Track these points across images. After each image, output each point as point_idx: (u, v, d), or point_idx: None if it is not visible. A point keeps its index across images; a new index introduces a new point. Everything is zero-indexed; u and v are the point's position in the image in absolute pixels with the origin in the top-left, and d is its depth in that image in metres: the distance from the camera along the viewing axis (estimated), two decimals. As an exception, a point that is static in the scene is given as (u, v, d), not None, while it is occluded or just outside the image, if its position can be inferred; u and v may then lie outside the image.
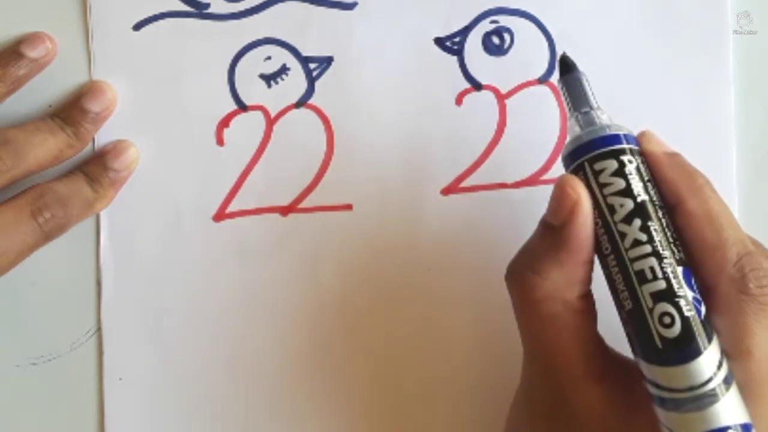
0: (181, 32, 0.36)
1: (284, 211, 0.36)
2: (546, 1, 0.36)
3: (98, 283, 0.36)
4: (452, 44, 0.36)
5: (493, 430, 0.35)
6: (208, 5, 0.36)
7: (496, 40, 0.36)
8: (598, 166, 0.28)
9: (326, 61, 0.36)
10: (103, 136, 0.36)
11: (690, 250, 0.28)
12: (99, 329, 0.36)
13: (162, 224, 0.36)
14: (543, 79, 0.36)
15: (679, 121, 0.36)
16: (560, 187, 0.28)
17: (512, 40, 0.36)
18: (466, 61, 0.36)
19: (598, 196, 0.28)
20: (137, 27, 0.36)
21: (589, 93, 0.30)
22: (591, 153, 0.28)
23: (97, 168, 0.35)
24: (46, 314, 0.36)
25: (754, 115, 0.36)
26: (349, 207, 0.36)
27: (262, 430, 0.36)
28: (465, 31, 0.36)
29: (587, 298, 0.29)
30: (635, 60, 0.36)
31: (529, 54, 0.36)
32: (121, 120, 0.36)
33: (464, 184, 0.36)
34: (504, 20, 0.36)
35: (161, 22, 0.36)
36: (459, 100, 0.36)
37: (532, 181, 0.36)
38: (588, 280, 0.29)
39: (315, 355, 0.36)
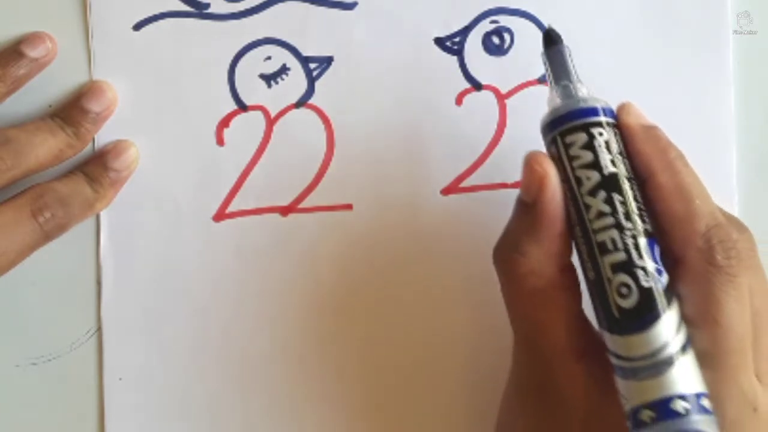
0: (181, 32, 0.36)
1: (284, 211, 0.36)
2: (546, 1, 0.36)
3: (98, 283, 0.36)
4: (452, 44, 0.36)
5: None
6: (208, 5, 0.36)
7: (496, 40, 0.36)
8: (569, 139, 0.29)
9: (326, 61, 0.36)
10: (103, 136, 0.36)
11: (660, 223, 0.28)
12: (99, 329, 0.36)
13: (162, 224, 0.36)
14: (543, 79, 0.36)
15: (679, 121, 0.36)
16: (528, 164, 0.29)
17: (512, 40, 0.36)
18: (466, 61, 0.36)
19: (568, 168, 0.29)
20: (137, 27, 0.36)
21: (570, 66, 0.31)
22: (563, 126, 0.29)
23: (97, 168, 0.35)
24: (46, 314, 0.36)
25: (754, 115, 0.36)
26: (349, 207, 0.36)
27: (262, 429, 0.36)
28: (465, 31, 0.36)
29: (568, 272, 0.30)
30: (635, 60, 0.36)
31: (529, 54, 0.36)
32: (121, 120, 0.36)
33: (464, 184, 0.36)
34: (504, 20, 0.36)
35: (161, 22, 0.36)
36: (459, 100, 0.36)
37: (532, 181, 0.36)
38: (566, 252, 0.29)
39: (315, 354, 0.36)
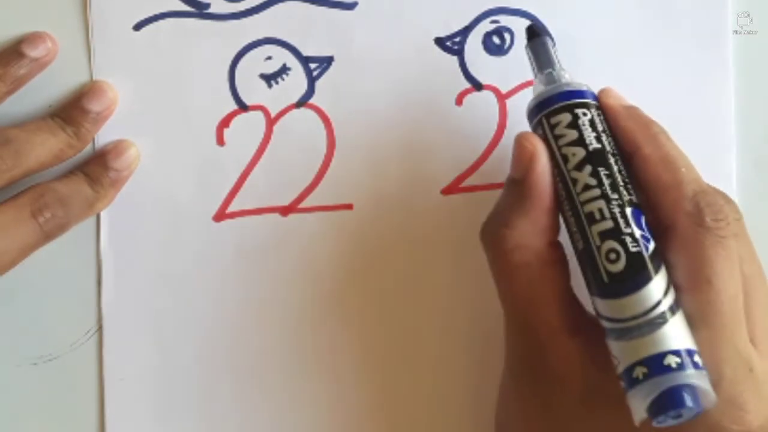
0: (181, 32, 0.36)
1: (284, 211, 0.36)
2: (546, 1, 0.36)
3: (98, 283, 0.36)
4: (452, 44, 0.36)
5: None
6: (208, 5, 0.36)
7: (496, 40, 0.36)
8: (554, 120, 0.30)
9: (326, 61, 0.36)
10: (103, 136, 0.36)
11: (648, 193, 0.29)
12: (99, 329, 0.36)
13: (162, 224, 0.36)
14: (543, 79, 0.36)
15: (679, 120, 0.36)
16: (518, 141, 0.30)
17: (512, 40, 0.36)
18: (467, 61, 0.36)
19: (554, 147, 0.30)
20: (138, 27, 0.36)
21: (553, 55, 0.32)
22: (548, 108, 0.30)
23: (97, 168, 0.35)
24: (46, 314, 0.36)
25: (754, 115, 0.36)
26: (349, 207, 0.36)
27: (262, 429, 0.36)
28: (465, 31, 0.36)
29: (556, 248, 0.30)
30: (635, 60, 0.36)
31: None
32: (121, 120, 0.36)
33: (464, 184, 0.36)
34: (504, 20, 0.36)
35: (162, 22, 0.36)
36: (459, 100, 0.36)
37: (533, 181, 0.36)
38: (554, 227, 0.30)
39: (314, 353, 0.36)
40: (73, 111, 0.35)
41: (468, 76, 0.36)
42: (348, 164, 0.36)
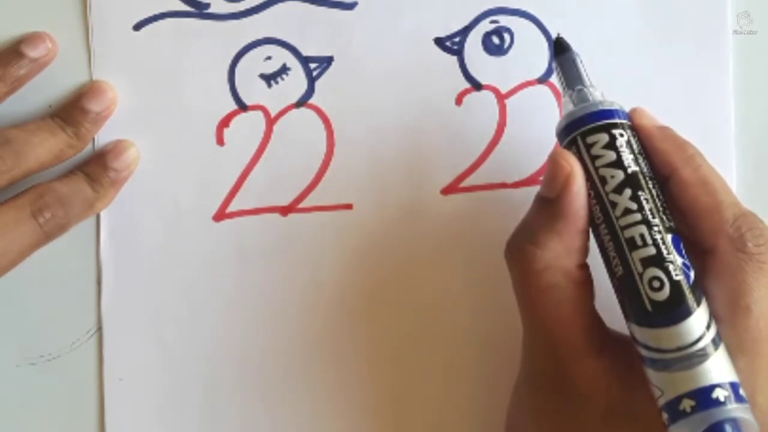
0: (181, 32, 0.36)
1: (284, 211, 0.36)
2: (546, 1, 0.36)
3: (98, 283, 0.36)
4: (452, 44, 0.36)
5: (495, 422, 0.35)
6: (208, 5, 0.36)
7: (496, 40, 0.36)
8: (590, 139, 0.29)
9: (326, 61, 0.36)
10: (103, 136, 0.36)
11: (686, 217, 0.29)
12: (99, 329, 0.36)
13: (162, 224, 0.36)
14: (543, 79, 0.36)
15: (679, 120, 0.36)
16: (554, 160, 0.29)
17: (512, 40, 0.36)
18: (466, 61, 0.36)
19: (590, 168, 0.29)
20: (137, 27, 0.36)
21: (583, 72, 0.32)
22: (583, 127, 0.30)
23: (97, 168, 0.35)
24: (46, 314, 0.36)
25: (753, 115, 0.36)
26: (349, 207, 0.36)
27: (262, 429, 0.36)
28: (465, 31, 0.36)
29: (585, 269, 0.30)
30: (635, 60, 0.36)
31: (529, 54, 0.36)
32: (121, 120, 0.36)
33: (464, 184, 0.36)
34: (504, 20, 0.36)
35: (161, 22, 0.36)
36: (459, 100, 0.36)
37: (532, 181, 0.36)
38: (585, 249, 0.30)
39: (314, 354, 0.36)
40: (73, 111, 0.35)
41: (467, 76, 0.36)
42: (348, 164, 0.36)
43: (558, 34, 0.33)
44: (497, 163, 0.36)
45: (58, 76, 0.36)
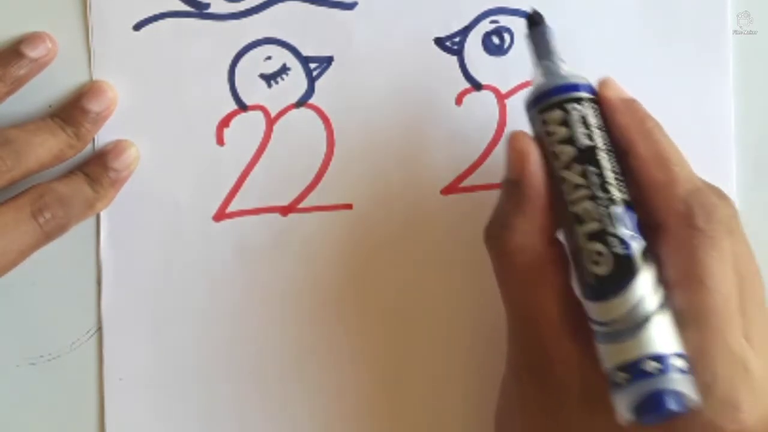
0: (181, 32, 0.36)
1: (284, 211, 0.36)
2: (546, 1, 0.36)
3: (98, 283, 0.36)
4: (452, 44, 0.36)
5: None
6: (208, 5, 0.36)
7: (496, 40, 0.36)
8: (546, 116, 0.30)
9: (326, 61, 0.36)
10: (103, 136, 0.36)
11: (641, 191, 0.29)
12: (99, 329, 0.36)
13: (162, 224, 0.36)
14: (543, 79, 0.36)
15: (678, 120, 0.36)
16: (510, 143, 0.30)
17: (512, 40, 0.36)
18: (466, 61, 0.36)
19: (546, 144, 0.30)
20: (137, 27, 0.36)
21: (553, 45, 0.32)
22: (542, 103, 0.30)
23: (97, 168, 0.35)
24: (46, 314, 0.36)
25: (753, 115, 0.36)
26: (349, 207, 0.36)
27: (262, 429, 0.36)
28: (465, 31, 0.36)
29: (556, 246, 0.30)
30: (635, 60, 0.36)
31: (529, 54, 0.36)
32: (121, 120, 0.36)
33: (464, 184, 0.36)
34: (504, 20, 0.36)
35: (161, 22, 0.36)
36: (459, 100, 0.36)
37: (532, 181, 0.36)
38: (552, 226, 0.30)
39: (314, 353, 0.36)
40: (73, 111, 0.35)
41: (467, 76, 0.36)
42: (348, 164, 0.36)
43: (533, 9, 0.32)
44: (497, 163, 0.36)
45: (58, 76, 0.36)
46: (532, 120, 0.31)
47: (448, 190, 0.36)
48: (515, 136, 0.30)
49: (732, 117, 0.36)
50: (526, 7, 0.36)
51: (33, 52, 0.35)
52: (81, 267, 0.36)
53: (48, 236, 0.34)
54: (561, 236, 0.30)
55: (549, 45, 0.32)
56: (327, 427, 0.36)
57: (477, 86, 0.36)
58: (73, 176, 0.35)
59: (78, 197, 0.35)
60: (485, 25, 0.36)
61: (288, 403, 0.36)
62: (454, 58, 0.36)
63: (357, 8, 0.36)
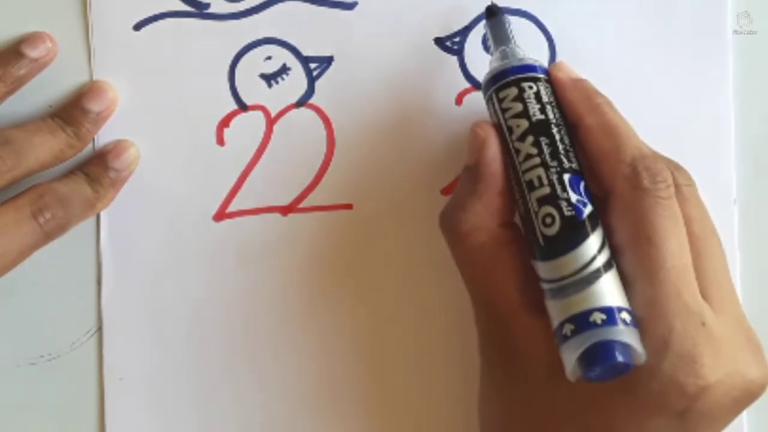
0: (181, 32, 0.36)
1: (284, 211, 0.36)
2: (546, 1, 0.36)
3: (98, 283, 0.36)
4: (452, 44, 0.36)
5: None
6: (208, 5, 0.36)
7: (496, 40, 0.36)
8: (501, 94, 0.31)
9: (326, 61, 0.36)
10: (103, 136, 0.36)
11: (591, 162, 0.31)
12: (99, 329, 0.36)
13: (162, 224, 0.36)
14: (543, 79, 0.36)
15: (678, 120, 0.36)
16: (471, 130, 0.32)
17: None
18: (466, 61, 0.36)
19: (501, 120, 0.31)
20: (138, 27, 0.36)
21: (509, 33, 0.34)
22: (498, 83, 0.32)
23: (97, 168, 0.35)
24: (46, 314, 0.36)
25: (753, 115, 0.36)
26: (349, 207, 0.36)
27: (261, 429, 0.36)
28: (465, 31, 0.36)
29: (510, 228, 0.31)
30: (635, 60, 0.36)
31: (528, 54, 0.36)
32: (121, 120, 0.36)
33: (464, 184, 0.36)
34: (504, 20, 0.36)
35: (161, 22, 0.36)
36: (459, 100, 0.36)
37: (532, 181, 0.36)
38: (507, 209, 0.31)
39: (314, 353, 0.36)
40: (73, 111, 0.35)
41: (468, 75, 0.36)
42: (348, 164, 0.36)
43: (492, 2, 0.35)
44: (497, 163, 0.36)
45: (58, 76, 0.36)
46: (489, 101, 0.32)
47: (448, 190, 0.36)
48: (477, 124, 0.32)
49: (732, 116, 0.36)
50: (526, 7, 0.36)
51: (33, 52, 0.35)
52: (81, 267, 0.36)
53: (48, 236, 0.34)
54: (517, 220, 0.31)
55: (506, 32, 0.33)
56: (327, 426, 0.36)
57: (477, 86, 0.36)
58: (73, 176, 0.35)
59: (78, 197, 0.35)
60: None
61: (287, 402, 0.36)
62: (454, 58, 0.36)
63: (357, 8, 0.36)
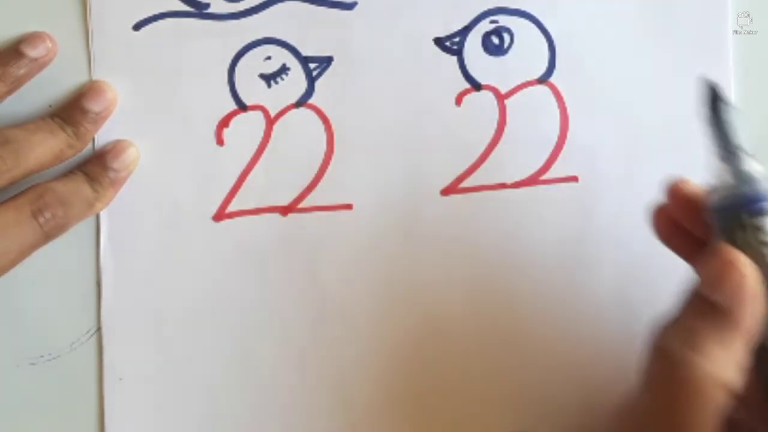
0: (181, 32, 0.36)
1: (284, 211, 0.36)
2: (546, 1, 0.36)
3: (98, 283, 0.36)
4: (452, 44, 0.36)
5: (493, 428, 0.35)
6: (208, 5, 0.36)
7: (495, 40, 0.36)
8: (759, 221, 0.26)
9: (326, 61, 0.36)
10: (103, 136, 0.36)
11: None
12: (99, 329, 0.36)
13: (162, 224, 0.36)
14: (543, 79, 0.36)
15: (678, 120, 0.36)
16: (722, 261, 0.26)
17: (512, 40, 0.36)
18: (466, 61, 0.36)
19: (758, 254, 0.26)
20: (137, 27, 0.36)
21: (741, 134, 0.28)
22: (752, 206, 0.27)
23: (97, 168, 0.35)
24: (46, 314, 0.36)
25: (753, 116, 0.36)
26: (349, 207, 0.36)
27: (262, 429, 0.36)
28: (465, 31, 0.36)
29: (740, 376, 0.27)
30: (635, 60, 0.36)
31: (529, 54, 0.36)
32: (121, 120, 0.36)
33: (464, 184, 0.36)
34: (504, 20, 0.36)
35: (161, 22, 0.36)
36: (459, 101, 0.36)
37: (532, 181, 0.36)
38: (745, 358, 0.27)
39: (314, 353, 0.36)
40: (72, 111, 0.35)
41: (467, 76, 0.36)
42: (347, 164, 0.36)
43: (712, 82, 0.28)
44: (497, 163, 0.36)
45: (58, 76, 0.36)
46: (728, 224, 0.27)
47: (448, 190, 0.36)
48: (726, 252, 0.26)
49: (732, 117, 0.36)
50: (526, 7, 0.36)
51: (33, 52, 0.35)
52: (81, 267, 0.36)
53: (48, 236, 0.34)
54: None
55: (737, 131, 0.28)
56: (327, 426, 0.36)
57: (477, 86, 0.36)
58: (72, 176, 0.35)
59: (78, 197, 0.35)
60: (485, 25, 0.36)
61: (288, 401, 0.36)
62: (454, 58, 0.36)
63: (357, 8, 0.36)
